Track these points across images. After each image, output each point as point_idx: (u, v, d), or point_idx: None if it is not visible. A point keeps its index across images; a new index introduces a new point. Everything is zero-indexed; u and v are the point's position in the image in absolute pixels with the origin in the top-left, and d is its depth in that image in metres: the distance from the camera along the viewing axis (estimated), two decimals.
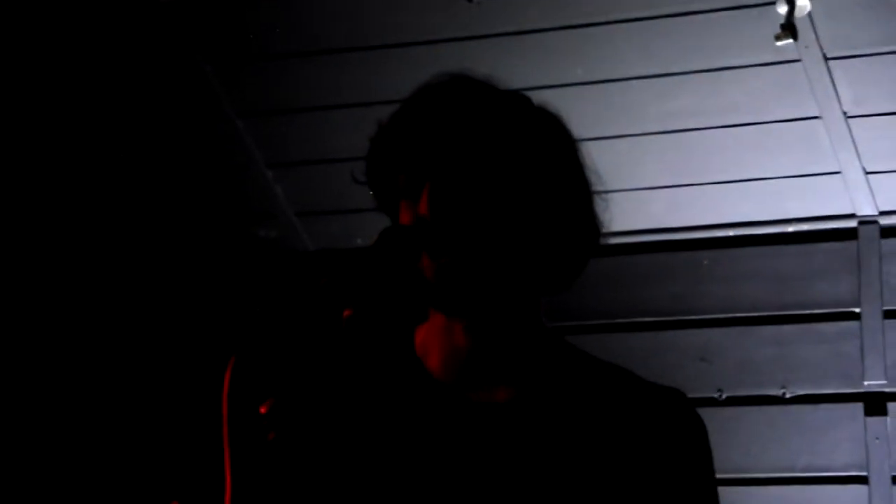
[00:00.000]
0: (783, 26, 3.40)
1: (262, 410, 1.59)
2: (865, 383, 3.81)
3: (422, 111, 1.83)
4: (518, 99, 1.87)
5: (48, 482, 4.14)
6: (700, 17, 3.51)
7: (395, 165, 1.82)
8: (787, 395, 3.88)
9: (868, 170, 3.74)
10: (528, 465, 1.81)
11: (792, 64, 3.55)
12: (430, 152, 1.79)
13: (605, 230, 1.88)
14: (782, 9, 3.37)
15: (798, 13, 3.37)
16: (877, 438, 3.77)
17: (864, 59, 3.51)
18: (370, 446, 1.84)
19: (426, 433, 1.84)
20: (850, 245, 3.87)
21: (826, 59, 3.51)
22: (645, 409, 1.85)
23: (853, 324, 3.84)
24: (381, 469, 1.82)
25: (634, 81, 3.67)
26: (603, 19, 3.55)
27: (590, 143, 3.95)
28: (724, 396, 3.93)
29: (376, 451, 1.83)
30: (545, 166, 1.83)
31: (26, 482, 4.10)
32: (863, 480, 3.78)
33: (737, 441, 3.87)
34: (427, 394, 1.86)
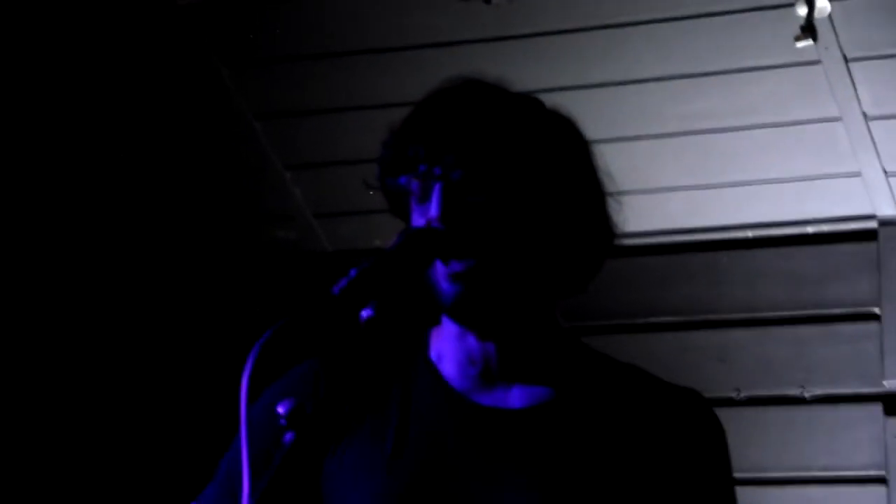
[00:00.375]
0: (803, 27, 3.39)
1: (281, 410, 1.60)
2: (885, 383, 3.80)
3: (433, 115, 1.83)
4: (530, 102, 1.87)
5: (55, 484, 4.15)
6: (719, 18, 3.50)
7: (406, 169, 1.82)
8: (806, 396, 3.88)
9: (888, 170, 3.73)
10: (540, 471, 1.80)
11: (812, 65, 3.54)
12: (441, 156, 1.79)
13: (618, 232, 1.88)
14: (802, 10, 3.36)
15: (818, 14, 3.36)
16: None
17: (884, 60, 3.50)
18: (383, 450, 1.84)
19: (439, 439, 1.84)
20: (869, 246, 3.86)
21: (846, 60, 3.50)
22: (663, 410, 1.85)
23: (872, 324, 3.83)
24: (393, 473, 1.82)
25: (652, 83, 3.67)
26: (621, 21, 3.55)
27: (608, 144, 3.95)
28: (742, 396, 3.92)
29: (389, 455, 1.83)
30: (558, 169, 1.83)
31: (31, 483, 4.11)
32: (882, 481, 3.77)
33: (755, 441, 3.86)
34: (440, 399, 1.86)
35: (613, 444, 1.82)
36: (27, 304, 4.17)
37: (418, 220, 1.81)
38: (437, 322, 1.90)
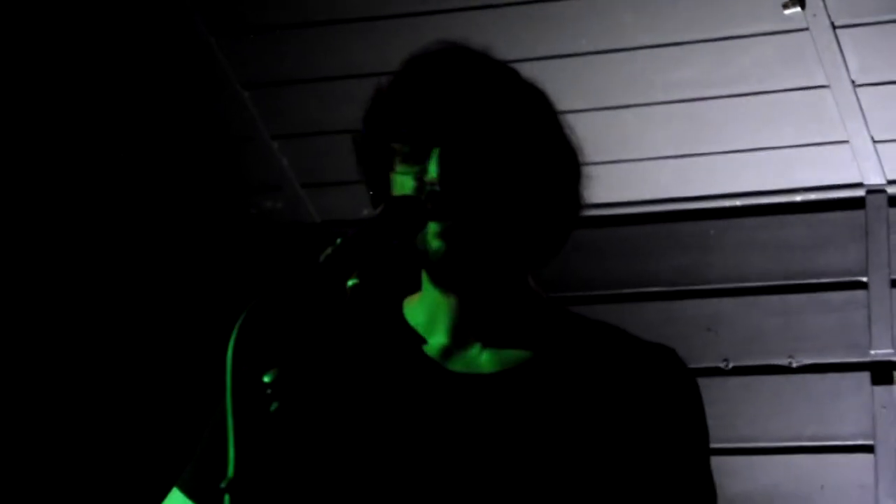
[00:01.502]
0: None
1: (266, 380, 1.59)
2: (872, 352, 3.81)
3: (428, 78, 1.83)
4: (511, 72, 1.88)
5: (50, 468, 4.15)
6: None
7: (398, 130, 1.81)
8: (794, 365, 3.88)
9: (876, 139, 3.73)
10: (513, 436, 1.80)
11: (799, 32, 3.53)
12: (440, 120, 1.79)
13: (587, 203, 1.89)
14: None
15: None
16: (884, 407, 3.77)
17: (872, 27, 3.50)
18: (362, 419, 1.84)
19: (416, 406, 1.84)
20: (857, 214, 3.86)
21: (834, 27, 3.50)
22: (637, 369, 1.85)
23: (860, 293, 3.84)
24: (372, 442, 1.82)
25: (640, 51, 3.66)
26: None
27: (595, 113, 3.95)
28: (731, 366, 3.93)
29: (368, 424, 1.83)
30: (542, 139, 1.84)
31: (27, 472, 4.11)
32: (869, 449, 3.78)
33: (744, 411, 3.87)
34: (415, 367, 1.87)
35: (587, 406, 1.82)
36: (13, 282, 4.16)
37: (405, 181, 1.81)
38: (413, 290, 1.90)
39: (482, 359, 1.87)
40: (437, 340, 1.88)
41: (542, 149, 1.84)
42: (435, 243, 1.79)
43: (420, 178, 1.79)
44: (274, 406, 1.57)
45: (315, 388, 1.84)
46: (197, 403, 1.98)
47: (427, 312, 1.89)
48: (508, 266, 1.85)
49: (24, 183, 4.17)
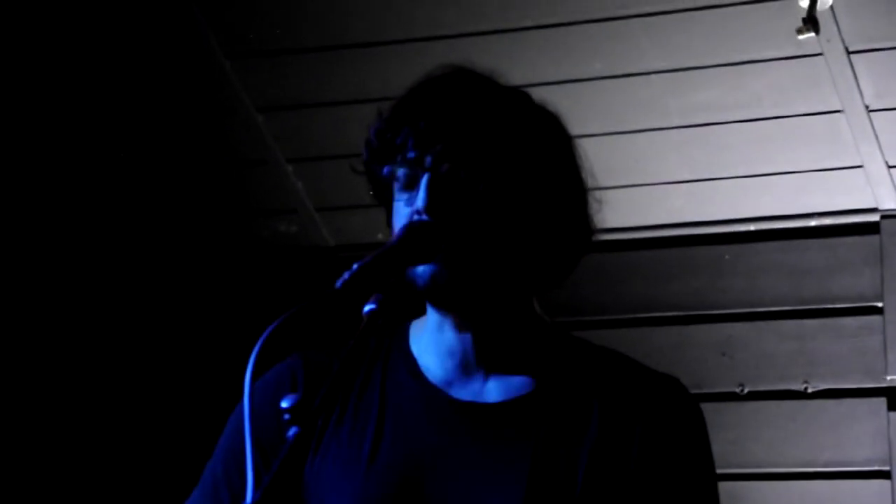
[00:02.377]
0: (805, 20, 3.39)
1: (285, 405, 1.59)
2: (888, 378, 3.80)
3: (423, 103, 1.82)
4: (518, 95, 1.87)
5: (54, 479, 4.14)
6: (721, 10, 3.50)
7: (393, 156, 1.81)
8: (809, 390, 3.87)
9: (891, 163, 3.73)
10: (518, 466, 1.80)
11: (814, 58, 3.53)
12: (430, 146, 1.78)
13: (596, 229, 1.87)
14: (804, 2, 3.36)
15: (820, 6, 3.36)
16: None
17: (886, 52, 3.50)
18: (361, 448, 1.83)
19: (417, 436, 1.83)
20: (872, 239, 3.85)
21: (848, 52, 3.50)
22: (642, 399, 1.84)
23: (875, 318, 3.82)
24: (378, 470, 1.82)
25: (654, 75, 3.66)
26: (622, 13, 3.55)
27: (609, 137, 3.96)
28: (745, 391, 3.91)
29: (367, 454, 1.83)
30: (543, 164, 1.83)
31: (31, 483, 4.10)
32: (886, 475, 3.76)
33: (758, 436, 3.86)
34: (418, 394, 1.86)
35: (591, 436, 1.81)
36: (16, 292, 4.17)
37: (401, 208, 1.81)
38: (418, 315, 1.90)
39: (486, 387, 1.86)
40: (441, 367, 1.87)
41: (541, 176, 1.82)
42: (421, 271, 1.78)
43: (411, 205, 1.79)
44: (292, 431, 1.57)
45: (332, 414, 1.84)
46: (209, 421, 1.97)
47: (429, 338, 1.88)
48: (502, 293, 1.84)
49: (38, 200, 4.18)
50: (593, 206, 1.87)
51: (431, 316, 1.86)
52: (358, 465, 1.83)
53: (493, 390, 1.85)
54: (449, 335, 1.85)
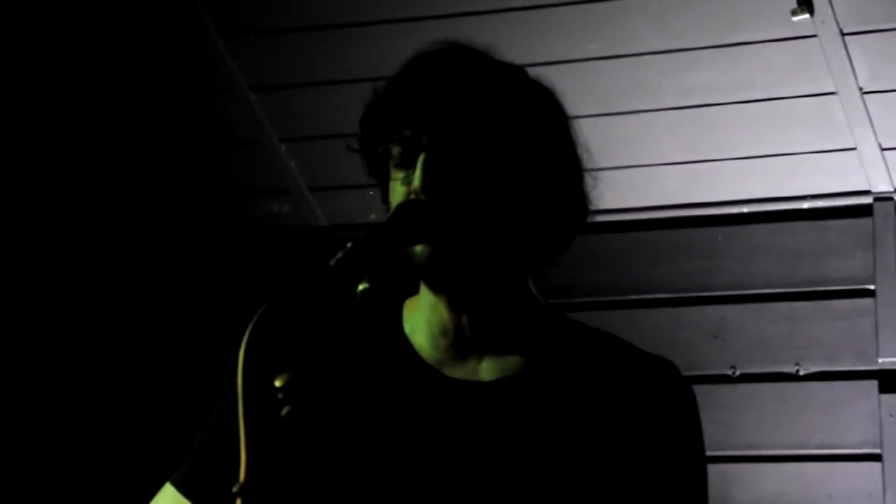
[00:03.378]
0: (799, 1, 3.39)
1: (278, 384, 1.59)
2: (880, 360, 3.80)
3: (419, 81, 1.81)
4: (514, 71, 1.85)
5: (53, 468, 4.14)
6: None
7: (389, 134, 1.80)
8: (801, 373, 3.88)
9: (884, 146, 3.72)
10: (511, 445, 1.80)
11: (808, 39, 3.53)
12: (426, 125, 1.77)
13: (592, 207, 1.87)
14: None
15: None
16: (891, 416, 3.77)
17: (880, 34, 3.49)
18: (363, 426, 1.83)
19: (414, 414, 1.83)
20: (865, 222, 3.85)
21: (842, 34, 3.49)
22: (634, 380, 1.84)
23: (868, 301, 3.83)
24: (372, 450, 1.81)
25: (648, 56, 3.65)
26: None
27: (603, 118, 3.94)
28: (737, 373, 3.92)
29: (368, 432, 1.83)
30: (539, 141, 1.82)
31: (27, 472, 4.10)
32: (877, 458, 3.77)
33: (750, 418, 3.86)
34: (413, 374, 1.85)
35: (583, 416, 1.81)
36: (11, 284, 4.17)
37: (397, 187, 1.80)
38: (412, 294, 1.89)
39: (480, 366, 1.85)
40: (434, 346, 1.87)
41: (537, 153, 1.81)
42: (419, 249, 1.78)
43: (408, 184, 1.78)
44: (285, 410, 1.56)
45: (325, 393, 1.83)
46: (201, 404, 1.97)
47: (423, 318, 1.87)
48: (498, 272, 1.83)
49: (32, 185, 4.17)
50: (589, 183, 1.87)
51: (425, 295, 1.86)
52: (356, 444, 1.82)
53: (486, 369, 1.85)
54: (443, 314, 1.85)
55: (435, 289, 1.83)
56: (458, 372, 1.85)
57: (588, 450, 1.80)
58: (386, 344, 1.89)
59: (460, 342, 1.85)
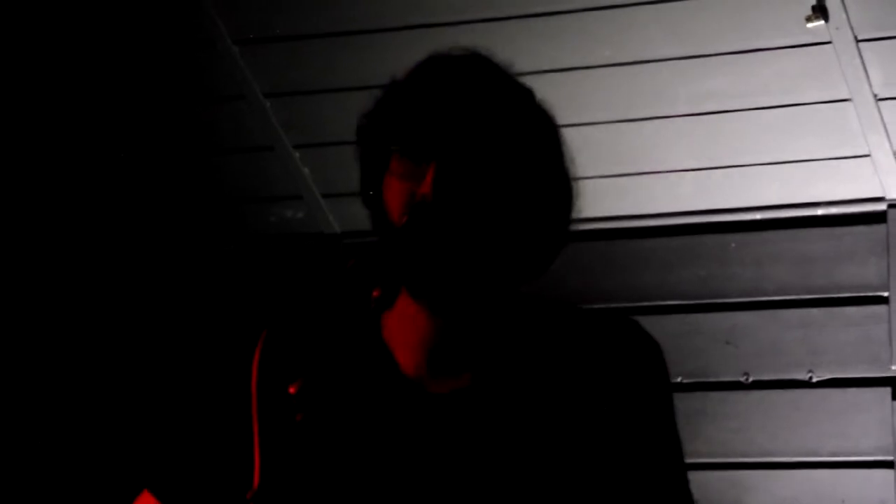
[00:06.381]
0: (814, 8, 3.39)
1: (292, 391, 1.58)
2: (893, 367, 3.80)
3: (441, 86, 1.81)
4: (521, 91, 1.86)
5: (60, 468, 4.15)
6: None
7: (397, 137, 1.81)
8: (814, 379, 3.87)
9: None
10: (486, 453, 1.80)
11: (822, 46, 3.53)
12: (438, 134, 1.77)
13: (576, 218, 1.88)
14: None
15: None
16: None
17: (895, 41, 3.49)
18: (358, 435, 1.83)
19: (390, 430, 1.82)
20: (878, 228, 3.85)
21: (857, 40, 3.49)
22: (602, 351, 1.84)
23: (881, 307, 3.83)
24: (363, 460, 1.81)
25: (663, 63, 3.66)
26: (632, 1, 3.54)
27: (618, 124, 3.94)
28: (750, 380, 3.92)
29: (362, 441, 1.82)
30: (539, 166, 1.82)
31: (27, 472, 4.11)
32: (889, 465, 3.77)
33: (763, 425, 3.86)
34: (391, 386, 1.85)
35: (559, 418, 1.81)
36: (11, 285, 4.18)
37: (396, 190, 1.80)
38: (391, 305, 1.88)
39: (462, 380, 1.84)
40: (414, 360, 1.85)
41: (537, 176, 1.82)
42: (417, 258, 1.77)
43: (413, 187, 1.78)
44: (298, 417, 1.57)
45: (339, 400, 1.83)
46: (209, 411, 1.97)
47: (403, 330, 1.86)
48: (490, 285, 1.83)
49: (47, 187, 4.19)
50: (576, 198, 1.88)
51: (407, 307, 1.85)
52: (351, 453, 1.82)
53: (459, 380, 1.85)
54: (422, 325, 1.84)
55: (420, 300, 1.82)
56: (438, 385, 1.84)
57: (567, 452, 1.80)
58: (364, 357, 1.88)
59: (443, 355, 1.84)
